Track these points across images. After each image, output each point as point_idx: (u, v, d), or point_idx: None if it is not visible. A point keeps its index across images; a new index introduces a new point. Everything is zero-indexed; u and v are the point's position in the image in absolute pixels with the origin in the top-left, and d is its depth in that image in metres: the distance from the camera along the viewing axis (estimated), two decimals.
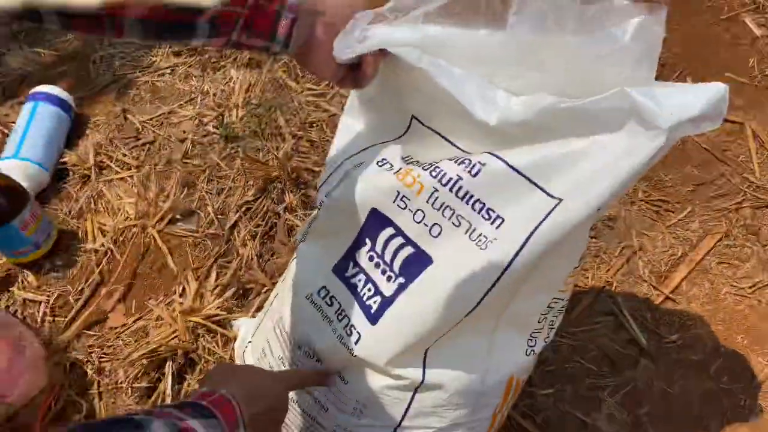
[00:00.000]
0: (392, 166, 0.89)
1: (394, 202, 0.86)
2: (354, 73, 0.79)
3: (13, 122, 1.59)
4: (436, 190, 0.82)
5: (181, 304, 1.31)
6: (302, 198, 1.45)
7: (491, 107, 0.77)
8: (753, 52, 1.70)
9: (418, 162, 0.88)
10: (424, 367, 0.88)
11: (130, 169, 1.55)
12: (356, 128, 0.97)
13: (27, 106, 1.58)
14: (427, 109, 0.86)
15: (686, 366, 1.24)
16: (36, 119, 1.55)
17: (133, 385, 1.25)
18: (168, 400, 1.22)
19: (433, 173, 0.83)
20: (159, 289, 1.37)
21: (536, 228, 0.75)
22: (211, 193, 1.50)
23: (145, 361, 1.24)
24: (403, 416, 0.92)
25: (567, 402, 1.21)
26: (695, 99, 0.67)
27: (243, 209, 1.46)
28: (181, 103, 1.67)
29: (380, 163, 0.90)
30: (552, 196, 0.76)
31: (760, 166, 1.50)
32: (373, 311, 0.88)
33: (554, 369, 1.24)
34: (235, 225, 1.44)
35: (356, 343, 0.89)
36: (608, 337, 1.27)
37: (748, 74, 1.66)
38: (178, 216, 1.46)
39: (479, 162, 0.80)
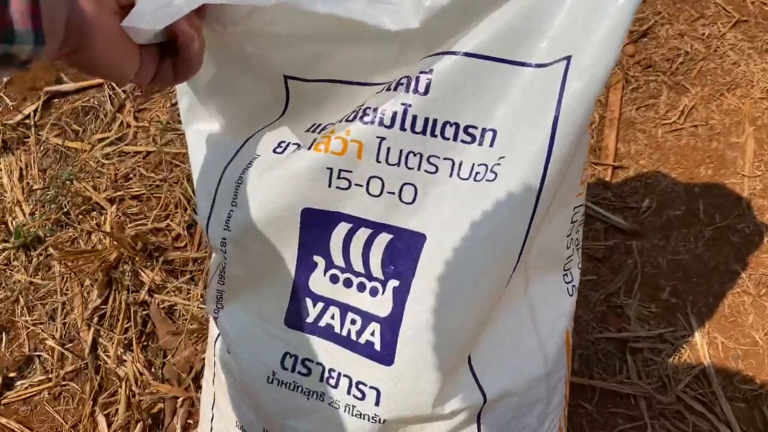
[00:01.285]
0: (299, 144, 0.60)
1: (330, 185, 0.57)
2: (167, 59, 0.50)
3: None
4: (383, 139, 0.55)
5: None
6: (164, 267, 1.09)
7: (401, 10, 0.52)
8: None
9: (332, 123, 0.59)
10: (477, 383, 0.61)
11: None
12: (213, 130, 0.66)
13: None
14: (300, 59, 0.57)
15: (675, 225, 1.08)
16: None
17: None
18: None
19: (367, 119, 0.55)
20: None
21: (557, 116, 0.51)
22: (41, 323, 1.08)
23: None
24: None
25: (590, 329, 1.00)
26: None
27: (95, 320, 1.06)
28: None
29: (279, 149, 0.60)
30: (547, 64, 0.52)
31: None
32: (378, 347, 0.59)
33: None
34: (95, 345, 1.04)
35: (377, 403, 0.59)
36: (586, 238, 1.07)
37: None
38: (11, 375, 1.03)
39: (422, 72, 0.54)
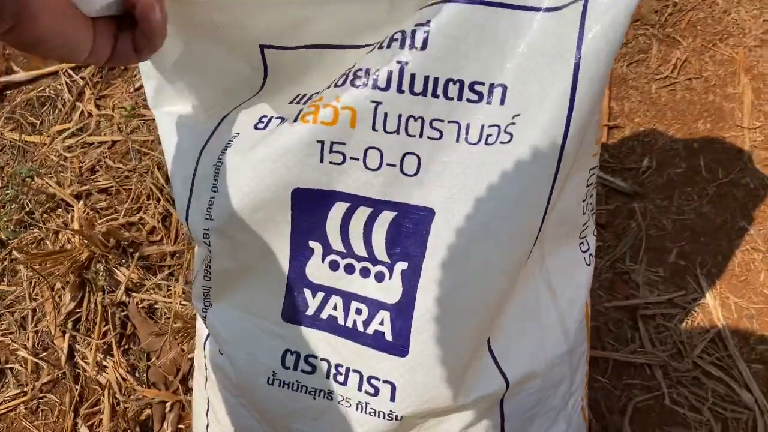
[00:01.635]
0: (283, 118, 0.53)
1: (322, 161, 0.51)
2: (126, 34, 0.43)
3: None
4: (379, 104, 0.49)
5: None
6: (140, 264, 1.01)
7: None
8: None
9: (318, 91, 0.53)
10: (498, 367, 0.56)
11: None
12: (185, 111, 0.59)
13: None
14: (278, 26, 0.50)
15: (677, 184, 1.04)
16: None
17: None
18: None
19: (359, 82, 0.49)
20: None
21: (577, 62, 0.45)
22: (10, 333, 1.00)
23: None
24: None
25: (599, 298, 0.95)
26: None
27: (70, 326, 0.98)
28: None
29: (261, 125, 0.54)
30: (560, 7, 0.46)
31: None
32: (389, 337, 0.53)
33: None
34: (72, 352, 0.97)
35: (393, 399, 0.53)
36: None
37: None
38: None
39: (418, 25, 0.48)
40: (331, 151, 0.51)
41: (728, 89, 1.12)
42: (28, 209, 1.09)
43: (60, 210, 1.09)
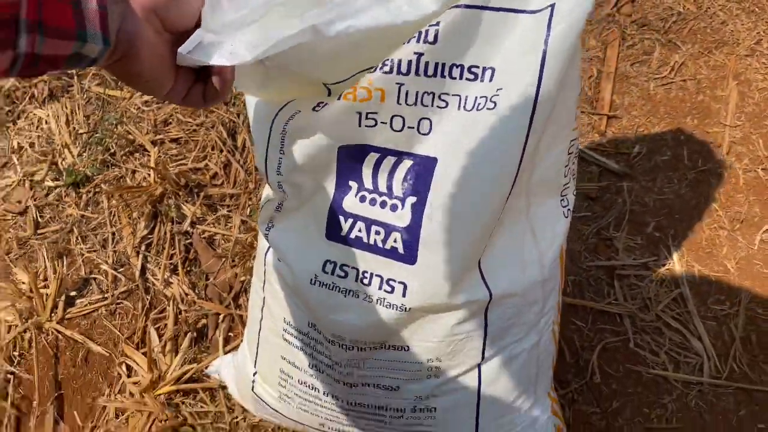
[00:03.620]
0: (329, 102, 0.70)
1: (360, 125, 0.69)
2: (199, 84, 0.55)
3: None
4: (402, 84, 0.67)
5: (136, 383, 1.05)
6: (204, 202, 1.22)
7: (415, 2, 0.59)
8: None
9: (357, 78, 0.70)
10: (485, 282, 0.74)
11: None
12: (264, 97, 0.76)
13: None
14: (335, 68, 0.66)
15: (662, 169, 1.21)
16: None
17: None
18: None
19: (386, 69, 0.66)
20: (98, 384, 1.09)
21: (545, 51, 0.63)
22: (96, 250, 1.21)
23: None
24: (484, 345, 0.78)
25: (583, 258, 1.13)
26: None
27: (143, 248, 1.19)
28: None
29: (317, 108, 0.71)
30: (538, 10, 0.63)
31: None
32: (402, 251, 0.71)
33: None
34: (144, 269, 1.18)
35: (405, 295, 0.72)
36: (581, 180, 1.20)
37: None
38: (71, 294, 1.17)
39: (431, 25, 0.65)
40: (366, 118, 0.68)
41: (717, 91, 1.29)
42: (111, 151, 1.30)
43: (138, 153, 1.30)
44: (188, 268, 1.17)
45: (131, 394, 1.04)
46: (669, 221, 1.16)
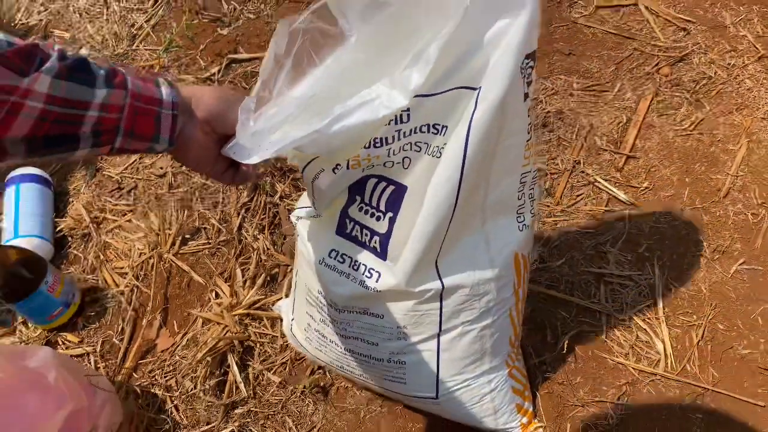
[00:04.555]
0: (347, 165, 0.95)
1: (363, 171, 0.92)
2: (232, 168, 0.80)
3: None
4: (391, 148, 0.87)
5: (219, 304, 1.42)
6: (291, 183, 1.58)
7: (391, 97, 0.77)
8: None
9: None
10: (439, 276, 1.00)
11: (125, 214, 1.64)
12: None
13: (8, 192, 1.65)
14: (339, 153, 0.88)
15: (663, 204, 1.43)
16: (22, 198, 1.62)
17: (204, 386, 1.34)
18: (241, 387, 1.32)
19: (377, 144, 0.86)
20: (194, 303, 1.47)
21: (471, 118, 0.82)
22: (208, 209, 1.61)
23: (209, 359, 1.34)
24: (440, 321, 1.04)
25: (579, 264, 1.37)
26: None
27: (243, 210, 1.57)
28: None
29: (337, 169, 0.92)
30: (473, 88, 0.81)
31: (662, 32, 1.72)
32: (379, 250, 0.99)
33: (558, 243, 1.40)
34: (240, 226, 1.56)
35: (377, 281, 1.00)
36: (592, 204, 1.44)
37: None
38: (186, 236, 1.56)
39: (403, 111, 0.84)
40: (368, 167, 0.89)
41: (729, 145, 1.49)
42: None
43: None
44: (272, 230, 1.54)
45: (215, 312, 1.41)
46: (659, 245, 1.38)
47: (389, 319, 1.05)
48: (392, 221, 0.95)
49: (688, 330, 1.27)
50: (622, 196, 1.45)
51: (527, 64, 0.82)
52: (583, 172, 1.50)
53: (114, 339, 1.45)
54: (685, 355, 1.24)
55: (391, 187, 0.93)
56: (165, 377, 1.38)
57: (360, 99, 0.76)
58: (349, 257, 1.02)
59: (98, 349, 1.44)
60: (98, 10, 2.02)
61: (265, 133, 0.73)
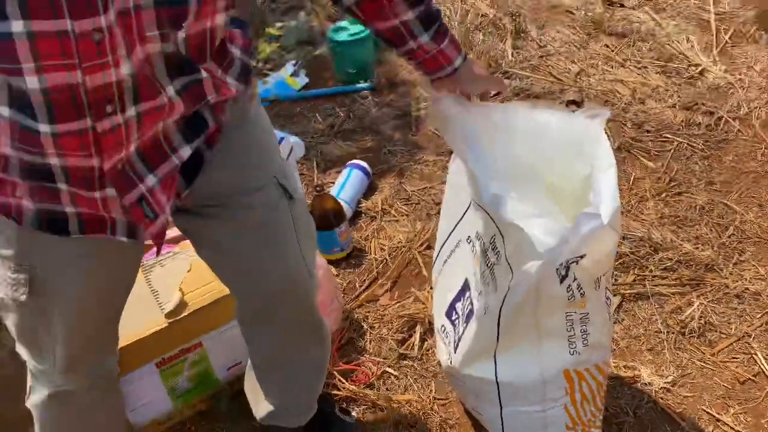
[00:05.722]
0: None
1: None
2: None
3: (331, 182, 2.46)
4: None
5: (429, 291, 1.97)
6: None
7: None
8: None
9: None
10: (495, 368, 1.34)
11: (403, 215, 2.31)
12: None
13: (344, 171, 2.45)
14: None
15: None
16: (350, 177, 2.40)
17: (392, 337, 1.90)
18: (415, 352, 1.85)
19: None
20: (416, 286, 2.05)
21: (509, 288, 1.22)
22: None
23: (404, 319, 1.89)
24: (499, 398, 1.37)
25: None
26: None
27: None
28: (441, 182, 2.43)
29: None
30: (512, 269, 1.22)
31: None
32: (453, 344, 1.46)
33: None
34: None
35: (450, 362, 1.48)
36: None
37: None
38: (431, 244, 2.16)
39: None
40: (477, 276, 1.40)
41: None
42: None
43: None
44: None
45: (424, 296, 1.96)
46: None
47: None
48: (464, 328, 1.45)
49: None
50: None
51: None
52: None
53: (356, 284, 2.10)
54: None
55: (470, 306, 1.45)
56: (372, 320, 1.97)
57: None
58: (446, 334, 1.56)
59: (344, 285, 2.10)
60: None
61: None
